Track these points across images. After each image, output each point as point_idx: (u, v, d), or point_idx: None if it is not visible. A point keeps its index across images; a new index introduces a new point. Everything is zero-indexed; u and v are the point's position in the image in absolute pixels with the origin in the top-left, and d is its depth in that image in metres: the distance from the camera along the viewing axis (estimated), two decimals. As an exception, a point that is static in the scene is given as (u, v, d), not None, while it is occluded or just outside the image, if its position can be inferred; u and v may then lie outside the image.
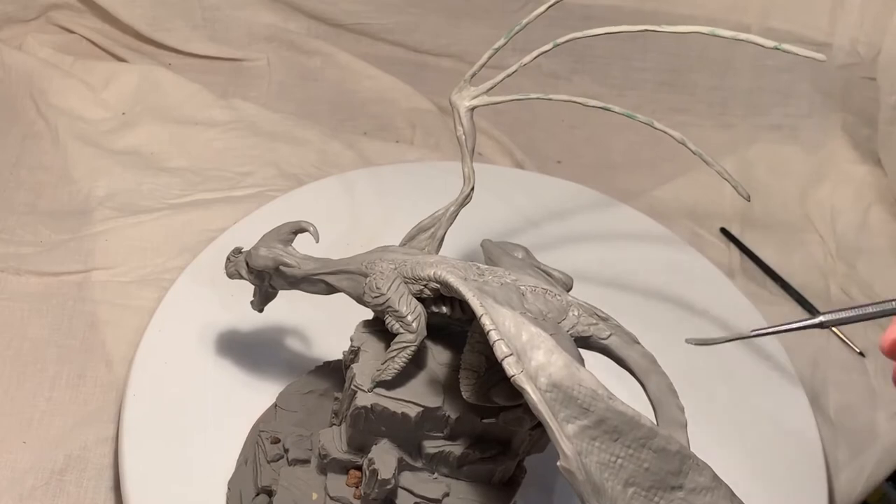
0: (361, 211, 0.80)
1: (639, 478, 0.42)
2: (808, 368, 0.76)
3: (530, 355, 0.42)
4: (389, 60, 1.01)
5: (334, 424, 0.58)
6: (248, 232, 0.76)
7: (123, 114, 0.91)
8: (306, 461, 0.58)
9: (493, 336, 0.42)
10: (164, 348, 0.67)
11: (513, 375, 0.41)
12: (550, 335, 0.48)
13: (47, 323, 0.73)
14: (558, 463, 0.40)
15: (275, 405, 0.62)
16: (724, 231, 0.91)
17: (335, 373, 0.63)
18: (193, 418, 0.64)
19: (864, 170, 0.97)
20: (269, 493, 0.58)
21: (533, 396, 0.41)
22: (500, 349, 0.42)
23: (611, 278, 0.78)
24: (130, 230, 0.79)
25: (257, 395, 0.65)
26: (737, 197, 0.94)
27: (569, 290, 0.60)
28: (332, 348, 0.65)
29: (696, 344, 0.45)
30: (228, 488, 0.60)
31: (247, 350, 0.68)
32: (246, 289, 0.72)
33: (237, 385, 0.65)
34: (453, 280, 0.48)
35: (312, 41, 1.01)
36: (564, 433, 0.40)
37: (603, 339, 0.52)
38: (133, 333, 0.71)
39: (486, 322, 0.43)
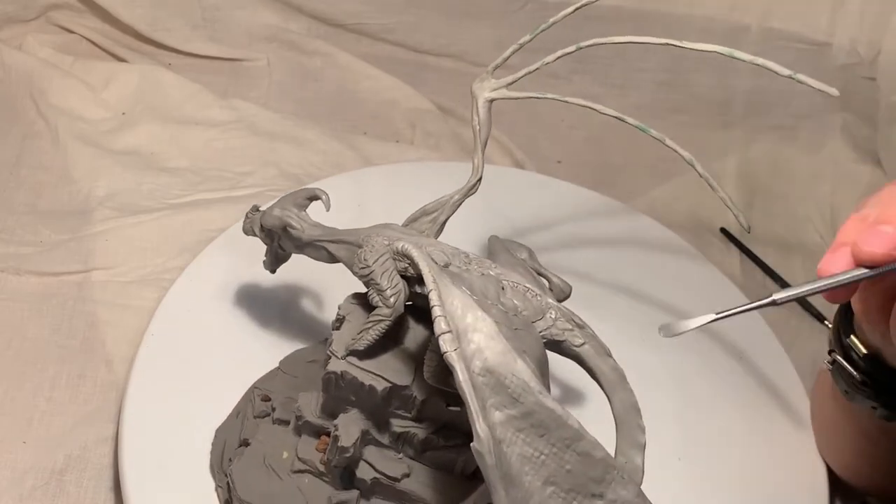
0: (361, 211, 0.80)
1: (559, 478, 0.41)
2: (808, 368, 0.76)
3: (470, 337, 0.42)
4: (389, 60, 1.01)
5: None
6: (248, 232, 0.76)
7: (123, 114, 0.91)
8: (288, 422, 0.59)
9: (436, 311, 0.43)
10: (164, 348, 0.67)
11: (445, 352, 0.41)
12: (515, 329, 0.48)
13: (47, 323, 0.73)
14: (472, 444, 0.40)
15: (277, 367, 0.64)
16: (724, 231, 0.91)
17: None
18: (194, 418, 0.64)
19: (864, 170, 0.97)
20: (248, 446, 0.59)
21: (460, 375, 0.41)
22: (440, 325, 0.42)
23: (610, 278, 0.78)
24: (130, 230, 0.79)
25: (257, 395, 0.65)
26: (737, 196, 0.94)
27: (566, 299, 0.60)
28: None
29: (665, 336, 0.44)
30: (215, 436, 0.62)
31: (248, 351, 0.68)
32: (246, 287, 0.72)
33: (238, 384, 0.65)
34: (416, 254, 0.48)
35: (312, 41, 1.01)
36: (486, 417, 0.41)
37: (576, 346, 0.52)
38: (133, 333, 0.71)
39: (433, 298, 0.43)
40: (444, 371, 0.50)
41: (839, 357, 0.55)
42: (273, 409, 0.60)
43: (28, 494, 0.63)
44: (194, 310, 0.70)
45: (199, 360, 0.67)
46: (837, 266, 0.40)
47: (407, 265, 0.52)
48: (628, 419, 0.51)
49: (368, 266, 0.53)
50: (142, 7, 0.98)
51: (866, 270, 0.41)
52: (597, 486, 0.42)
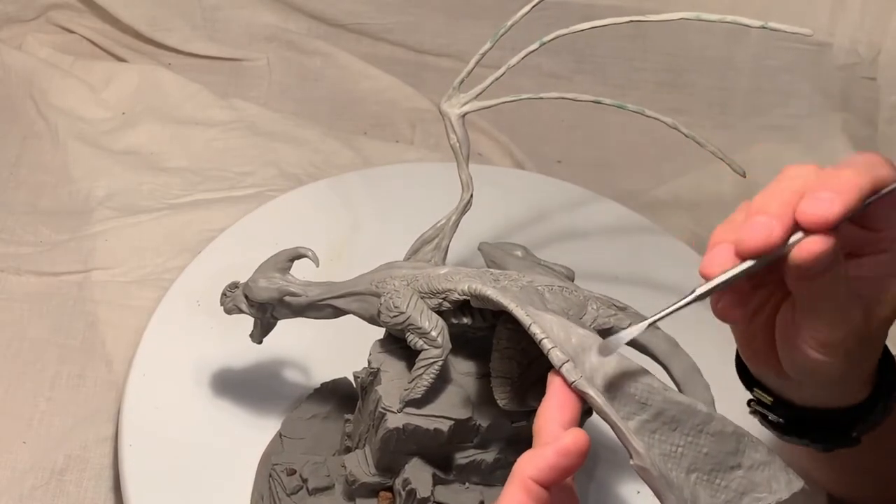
0: (362, 210, 0.80)
1: (699, 463, 0.42)
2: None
3: (583, 358, 0.42)
4: (389, 60, 1.01)
5: (349, 447, 0.58)
6: (248, 232, 0.76)
7: (123, 114, 0.91)
8: (328, 488, 0.57)
9: (547, 344, 0.42)
10: (164, 348, 0.67)
11: (573, 381, 0.40)
12: None
13: (47, 323, 0.73)
14: (631, 462, 0.39)
15: (279, 434, 0.61)
16: (724, 231, 0.90)
17: (333, 394, 0.63)
18: (194, 417, 0.64)
19: (865, 170, 0.96)
20: None
21: (597, 400, 0.40)
22: (557, 356, 0.41)
23: (610, 279, 0.78)
24: (130, 230, 0.79)
25: (258, 397, 0.65)
26: (737, 198, 0.94)
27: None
28: (325, 371, 0.65)
29: (604, 355, 0.43)
30: None
31: (249, 349, 0.68)
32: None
33: (238, 381, 0.65)
34: (491, 292, 0.47)
35: (312, 41, 1.01)
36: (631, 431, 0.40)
37: (624, 328, 0.51)
38: (133, 333, 0.71)
39: (537, 331, 0.43)
40: (520, 393, 0.49)
41: (757, 407, 0.55)
42: (304, 480, 0.57)
43: (28, 494, 0.63)
44: (194, 310, 0.70)
45: (199, 360, 0.67)
46: (721, 259, 0.42)
47: (440, 301, 0.51)
48: (692, 380, 0.51)
49: (402, 312, 0.51)
50: (142, 7, 0.98)
51: (749, 263, 0.41)
52: (733, 458, 0.43)
